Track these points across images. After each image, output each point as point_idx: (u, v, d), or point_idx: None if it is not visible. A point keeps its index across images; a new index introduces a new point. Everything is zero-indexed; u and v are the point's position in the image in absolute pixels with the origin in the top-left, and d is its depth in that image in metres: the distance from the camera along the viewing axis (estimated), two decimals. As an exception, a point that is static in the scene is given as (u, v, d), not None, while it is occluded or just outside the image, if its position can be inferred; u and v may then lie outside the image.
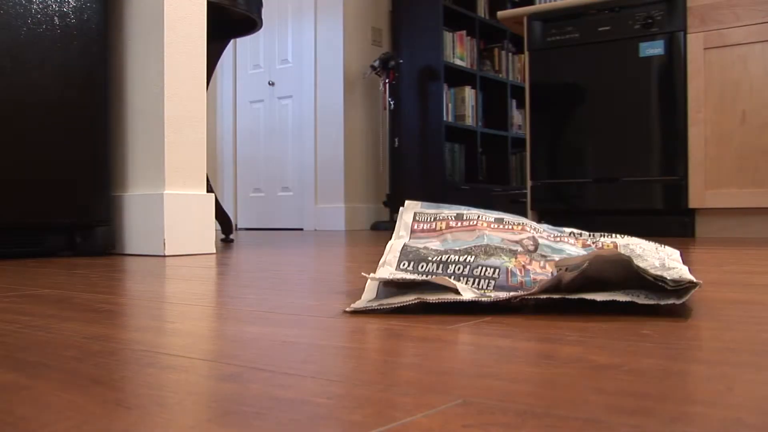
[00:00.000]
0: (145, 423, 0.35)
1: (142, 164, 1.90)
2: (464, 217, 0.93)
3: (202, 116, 1.94)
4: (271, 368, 0.48)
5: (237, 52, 5.11)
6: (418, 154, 4.52)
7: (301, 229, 4.63)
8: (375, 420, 0.35)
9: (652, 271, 0.72)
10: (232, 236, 2.69)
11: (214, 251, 1.94)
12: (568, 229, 0.97)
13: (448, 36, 4.63)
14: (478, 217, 0.93)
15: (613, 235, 0.96)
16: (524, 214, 3.39)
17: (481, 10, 5.09)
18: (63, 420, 0.36)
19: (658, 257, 0.85)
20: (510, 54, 5.25)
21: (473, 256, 0.83)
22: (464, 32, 4.78)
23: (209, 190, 2.15)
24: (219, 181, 5.11)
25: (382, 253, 1.80)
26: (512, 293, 0.75)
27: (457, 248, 0.86)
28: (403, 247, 0.89)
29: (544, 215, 2.99)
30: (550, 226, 0.96)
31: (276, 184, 4.86)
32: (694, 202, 2.66)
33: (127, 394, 0.41)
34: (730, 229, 2.63)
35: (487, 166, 5.15)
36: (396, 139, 4.58)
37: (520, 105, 5.39)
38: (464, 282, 0.80)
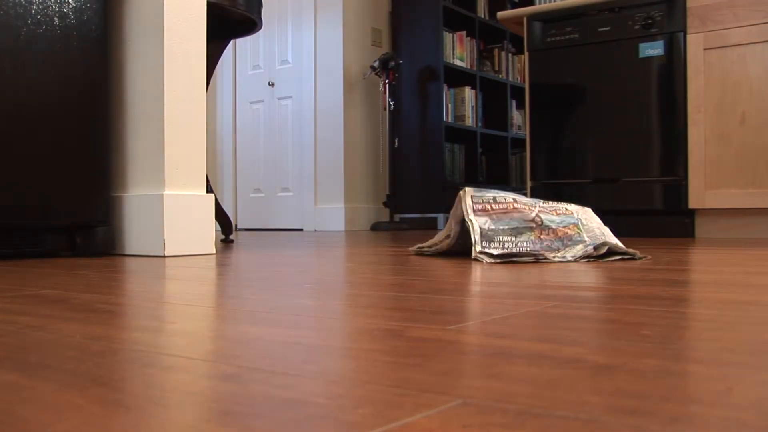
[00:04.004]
0: (145, 423, 0.35)
1: (142, 164, 1.90)
2: (496, 200, 1.57)
3: (202, 117, 1.94)
4: (271, 368, 0.48)
5: (237, 53, 5.11)
6: (418, 154, 4.52)
7: (301, 230, 4.63)
8: (375, 420, 0.35)
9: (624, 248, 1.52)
10: (231, 237, 2.69)
11: (214, 252, 1.94)
12: (542, 202, 1.61)
13: (447, 36, 4.63)
14: (505, 200, 1.57)
15: (569, 208, 1.61)
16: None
17: (481, 10, 5.09)
18: (63, 420, 0.36)
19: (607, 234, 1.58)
20: (510, 54, 5.25)
21: (514, 237, 1.50)
22: (464, 33, 4.78)
23: (209, 190, 2.15)
24: (219, 181, 5.11)
25: (381, 254, 1.80)
26: (577, 256, 1.48)
27: (502, 228, 1.51)
28: (480, 230, 1.51)
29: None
30: (537, 200, 1.61)
31: (276, 185, 4.86)
32: (693, 203, 2.66)
33: (127, 394, 0.41)
34: (730, 229, 2.63)
35: (487, 166, 5.15)
36: (396, 140, 4.58)
37: (520, 105, 5.39)
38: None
